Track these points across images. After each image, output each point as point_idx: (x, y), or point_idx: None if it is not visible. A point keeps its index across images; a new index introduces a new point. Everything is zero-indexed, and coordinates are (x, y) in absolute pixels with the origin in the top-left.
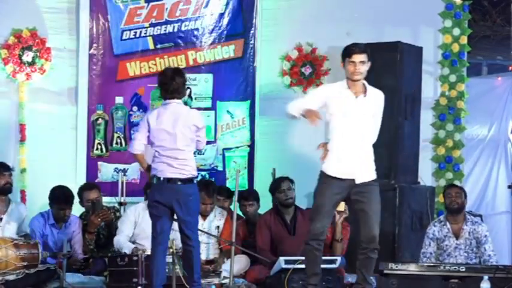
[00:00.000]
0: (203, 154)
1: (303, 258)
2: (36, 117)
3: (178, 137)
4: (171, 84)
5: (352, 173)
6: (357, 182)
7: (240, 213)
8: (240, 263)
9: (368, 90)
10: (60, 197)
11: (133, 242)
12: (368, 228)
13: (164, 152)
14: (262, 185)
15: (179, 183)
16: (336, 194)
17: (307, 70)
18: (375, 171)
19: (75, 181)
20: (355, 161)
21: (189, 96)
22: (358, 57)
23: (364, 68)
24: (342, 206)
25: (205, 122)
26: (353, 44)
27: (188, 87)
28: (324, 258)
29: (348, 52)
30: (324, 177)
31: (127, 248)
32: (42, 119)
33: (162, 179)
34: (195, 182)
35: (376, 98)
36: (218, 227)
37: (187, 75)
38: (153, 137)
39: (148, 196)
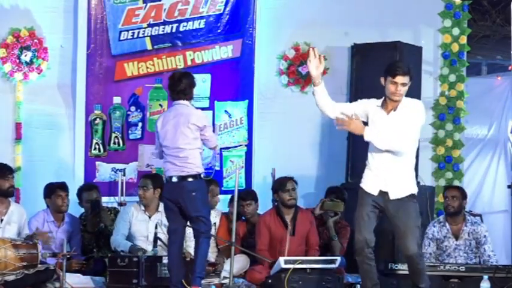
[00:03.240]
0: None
1: (303, 258)
2: (32, 116)
3: (178, 136)
4: (178, 86)
5: (385, 188)
6: (391, 198)
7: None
8: (239, 262)
9: (400, 105)
10: (54, 185)
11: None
12: (403, 246)
13: (168, 151)
14: (259, 185)
15: (182, 180)
16: (371, 209)
17: (304, 69)
18: (415, 184)
19: (73, 181)
20: (388, 177)
21: None
22: (401, 79)
23: (405, 90)
24: (329, 206)
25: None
26: (397, 63)
27: None
28: (323, 258)
29: (392, 72)
30: (361, 191)
31: (124, 246)
32: (39, 119)
33: (168, 177)
34: (199, 178)
35: (407, 110)
36: (215, 223)
37: None
38: (160, 139)
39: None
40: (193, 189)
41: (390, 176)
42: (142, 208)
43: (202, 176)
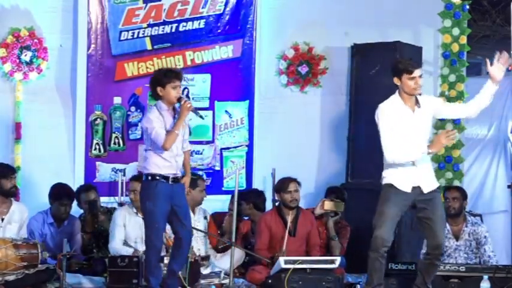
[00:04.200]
0: (201, 154)
1: (303, 258)
2: (32, 116)
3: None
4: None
5: (417, 183)
6: (424, 191)
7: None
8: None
9: (420, 100)
10: (61, 193)
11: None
12: (433, 236)
13: None
14: (260, 185)
15: None
16: (401, 205)
17: (303, 69)
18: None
19: (73, 181)
20: (419, 172)
21: (187, 96)
22: (418, 72)
23: (422, 81)
24: (329, 206)
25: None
26: (406, 60)
27: (185, 88)
28: (323, 258)
29: (407, 68)
30: (389, 186)
31: (126, 253)
32: (39, 119)
33: None
34: (145, 178)
35: (427, 102)
36: (206, 217)
37: (185, 76)
38: None
39: None
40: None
41: (421, 170)
42: (135, 211)
43: (156, 177)
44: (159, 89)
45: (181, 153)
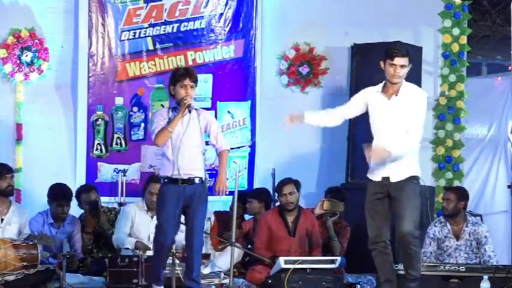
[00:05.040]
0: (203, 154)
1: (303, 258)
2: (33, 117)
3: None
4: None
5: (387, 173)
6: (392, 180)
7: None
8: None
9: (401, 89)
10: (59, 193)
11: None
12: (398, 225)
13: None
14: (261, 185)
15: None
16: (376, 197)
17: (304, 69)
18: (417, 167)
19: (74, 181)
20: (390, 163)
21: None
22: (400, 61)
23: (404, 71)
24: (328, 206)
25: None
26: (396, 45)
27: None
28: (323, 258)
29: (390, 54)
30: (368, 182)
31: (129, 243)
32: (39, 119)
33: None
34: (161, 180)
35: (410, 95)
36: (209, 218)
37: None
38: None
39: None
40: None
41: (392, 161)
42: (145, 208)
43: (165, 180)
44: (171, 87)
45: (195, 152)
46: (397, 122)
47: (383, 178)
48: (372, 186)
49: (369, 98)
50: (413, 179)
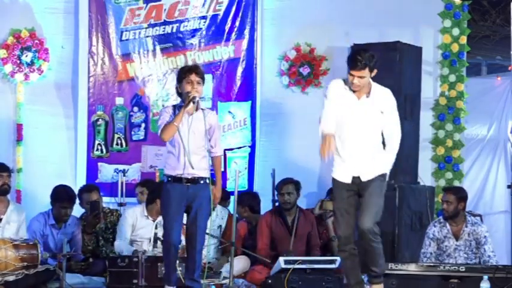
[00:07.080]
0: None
1: (303, 258)
2: (33, 117)
3: None
4: None
5: (357, 173)
6: (363, 179)
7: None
8: (240, 263)
9: (372, 90)
10: (63, 195)
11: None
12: (360, 221)
13: None
14: (262, 186)
15: None
16: (348, 198)
17: (305, 70)
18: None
19: (74, 182)
20: (359, 162)
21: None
22: (357, 73)
23: (364, 81)
24: (328, 206)
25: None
26: (356, 56)
27: None
28: (323, 258)
29: (349, 64)
30: (335, 182)
31: (128, 252)
32: (40, 120)
33: None
34: (165, 179)
35: (381, 96)
36: (220, 226)
37: None
38: None
39: None
40: None
41: (361, 160)
42: (145, 213)
43: (169, 178)
44: (178, 85)
45: (200, 153)
46: (366, 123)
47: (354, 178)
48: (340, 186)
49: (339, 93)
50: (381, 176)
